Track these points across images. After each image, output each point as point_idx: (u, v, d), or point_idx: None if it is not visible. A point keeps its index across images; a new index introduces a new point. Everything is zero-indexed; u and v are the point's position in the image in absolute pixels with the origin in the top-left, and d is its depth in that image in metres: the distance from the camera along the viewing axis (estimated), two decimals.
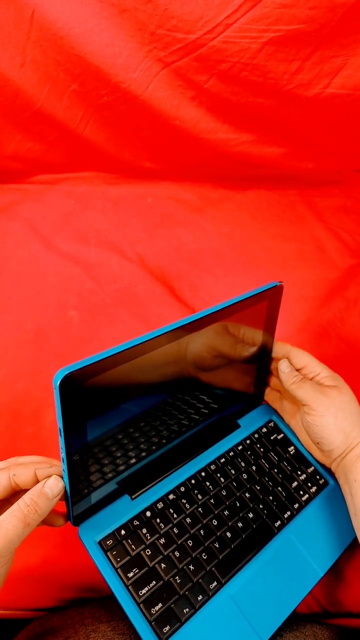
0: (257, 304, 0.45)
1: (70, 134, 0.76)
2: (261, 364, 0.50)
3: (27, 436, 0.57)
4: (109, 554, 0.39)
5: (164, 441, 0.45)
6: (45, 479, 0.36)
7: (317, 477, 0.48)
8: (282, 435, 0.51)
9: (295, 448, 0.50)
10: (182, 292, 0.71)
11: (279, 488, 0.46)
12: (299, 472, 0.48)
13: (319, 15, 0.60)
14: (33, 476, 0.36)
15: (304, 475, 0.48)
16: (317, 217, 0.83)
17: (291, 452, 0.50)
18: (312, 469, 0.49)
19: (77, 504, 0.39)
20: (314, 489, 0.47)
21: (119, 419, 0.41)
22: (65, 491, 0.37)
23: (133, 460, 0.43)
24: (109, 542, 0.40)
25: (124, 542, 0.40)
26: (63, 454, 0.36)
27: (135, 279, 0.72)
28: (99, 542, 0.40)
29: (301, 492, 0.46)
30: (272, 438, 0.50)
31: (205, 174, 0.87)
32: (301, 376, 0.47)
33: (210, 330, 0.42)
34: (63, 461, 0.36)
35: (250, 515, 0.44)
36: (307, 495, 0.46)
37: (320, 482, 0.48)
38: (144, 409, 0.43)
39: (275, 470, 0.48)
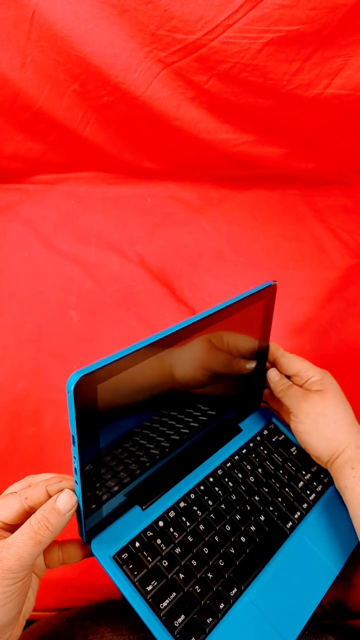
0: (253, 305, 0.45)
1: (70, 134, 0.76)
2: (258, 367, 0.50)
3: (27, 436, 0.57)
4: (125, 568, 0.38)
5: (169, 449, 0.45)
6: (57, 494, 0.34)
7: (322, 475, 0.48)
8: (282, 436, 0.51)
9: (297, 448, 0.50)
10: (182, 292, 0.71)
11: (286, 489, 0.46)
12: (304, 472, 0.48)
13: (319, 16, 0.60)
14: (45, 494, 0.35)
15: (309, 475, 0.48)
16: (317, 217, 0.83)
17: (294, 453, 0.49)
18: (315, 468, 0.48)
19: (89, 518, 0.38)
20: (319, 487, 0.47)
21: (129, 425, 0.40)
22: (78, 505, 0.35)
23: (141, 471, 0.43)
24: (124, 556, 0.38)
25: (139, 554, 0.39)
26: (76, 464, 0.34)
27: (135, 279, 0.73)
28: (114, 557, 0.38)
29: (308, 492, 0.46)
30: (273, 440, 0.50)
31: (206, 174, 0.87)
32: (289, 383, 0.47)
33: (198, 350, 0.42)
34: (76, 472, 0.35)
35: (262, 518, 0.44)
36: (314, 495, 0.46)
37: (325, 480, 0.48)
38: (151, 416, 0.42)
39: (281, 472, 0.48)
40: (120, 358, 0.36)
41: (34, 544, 0.32)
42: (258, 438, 0.50)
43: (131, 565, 0.38)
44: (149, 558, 0.39)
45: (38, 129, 0.76)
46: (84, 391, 0.33)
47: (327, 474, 0.48)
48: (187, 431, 0.46)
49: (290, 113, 0.72)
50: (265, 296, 0.47)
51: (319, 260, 0.77)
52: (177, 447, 0.46)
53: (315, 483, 0.47)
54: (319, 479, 0.48)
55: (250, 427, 0.51)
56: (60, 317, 0.68)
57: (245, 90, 0.68)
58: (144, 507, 0.42)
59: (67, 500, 0.34)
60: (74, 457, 0.34)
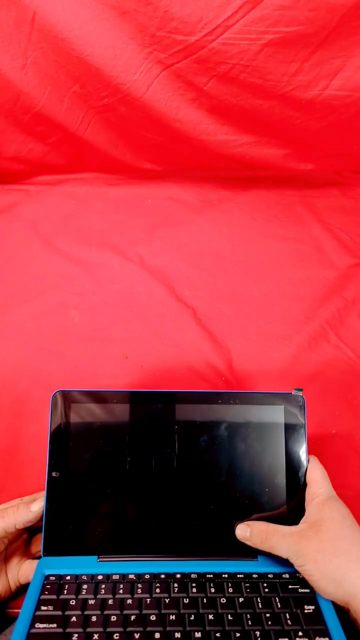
0: (270, 406, 0.45)
1: (71, 135, 0.76)
2: (294, 488, 0.45)
3: (28, 435, 0.57)
4: (46, 585, 0.40)
5: (154, 521, 0.44)
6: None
7: None
8: (307, 591, 0.41)
9: (316, 609, 0.39)
10: (182, 292, 0.72)
11: None
12: (301, 634, 0.37)
13: (318, 17, 0.60)
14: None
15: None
16: (316, 217, 0.84)
17: (306, 611, 0.39)
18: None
19: (51, 534, 0.42)
20: None
21: (104, 465, 0.44)
22: (43, 515, 0.43)
23: (117, 524, 0.44)
24: (52, 579, 0.41)
25: (64, 585, 0.40)
26: (47, 464, 0.43)
27: (136, 279, 0.73)
28: (46, 575, 0.41)
29: None
30: (289, 587, 0.41)
31: (205, 175, 0.87)
32: (266, 530, 0.41)
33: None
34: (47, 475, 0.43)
35: None
36: None
37: None
38: (132, 471, 0.44)
39: (270, 623, 0.38)
40: (100, 391, 0.44)
41: None
42: (270, 576, 0.42)
43: (49, 586, 0.40)
44: (71, 602, 0.39)
45: (39, 131, 0.76)
46: (60, 403, 0.44)
47: None
48: (181, 516, 0.44)
49: (289, 114, 0.72)
50: (286, 402, 0.46)
51: (317, 260, 0.78)
52: (164, 524, 0.44)
53: None
54: None
55: (270, 564, 0.43)
56: (61, 317, 0.68)
57: (245, 91, 0.69)
58: (99, 559, 0.43)
59: (37, 503, 0.43)
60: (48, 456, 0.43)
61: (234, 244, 0.79)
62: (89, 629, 0.37)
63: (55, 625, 0.37)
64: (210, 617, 0.38)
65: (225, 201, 0.86)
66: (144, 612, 0.39)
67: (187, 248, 0.78)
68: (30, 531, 0.47)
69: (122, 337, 0.66)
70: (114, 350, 0.65)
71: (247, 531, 0.42)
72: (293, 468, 0.45)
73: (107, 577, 0.41)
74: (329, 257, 0.78)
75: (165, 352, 0.65)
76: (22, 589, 0.45)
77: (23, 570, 0.44)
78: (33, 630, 0.37)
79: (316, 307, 0.71)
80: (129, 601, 0.39)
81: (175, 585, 0.40)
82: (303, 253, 0.79)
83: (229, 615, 0.38)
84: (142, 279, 0.73)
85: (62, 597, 0.39)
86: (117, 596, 0.40)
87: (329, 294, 0.73)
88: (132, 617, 0.38)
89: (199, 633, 0.37)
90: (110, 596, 0.40)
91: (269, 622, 0.38)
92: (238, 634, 0.37)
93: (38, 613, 0.38)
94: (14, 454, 0.56)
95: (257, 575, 0.41)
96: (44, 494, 0.43)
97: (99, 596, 0.40)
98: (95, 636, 0.37)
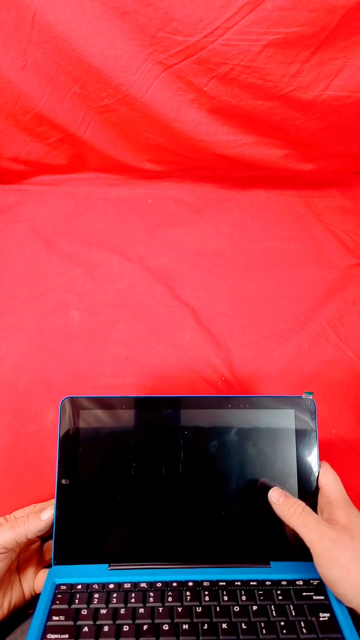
0: (280, 410, 0.45)
1: (71, 135, 0.77)
2: (306, 493, 0.44)
3: (28, 435, 0.57)
4: (57, 594, 0.40)
5: (165, 528, 0.43)
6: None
7: None
8: (322, 598, 0.40)
9: (332, 616, 0.38)
10: (182, 292, 0.72)
11: None
12: None
13: (318, 18, 0.60)
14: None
15: None
16: (316, 217, 0.84)
17: (321, 618, 0.38)
18: None
19: (61, 542, 0.42)
20: None
21: (113, 471, 0.44)
22: (53, 524, 0.42)
23: (127, 532, 0.43)
24: (63, 588, 0.40)
25: (75, 594, 0.40)
26: (56, 471, 0.43)
27: (136, 279, 0.73)
28: (57, 585, 0.41)
29: None
30: (304, 594, 0.40)
31: (205, 175, 0.88)
32: (302, 505, 0.40)
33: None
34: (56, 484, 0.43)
35: None
36: None
37: None
38: (141, 479, 0.44)
39: (285, 631, 0.37)
40: (109, 397, 0.44)
41: (9, 528, 0.40)
42: (283, 583, 0.41)
43: (60, 596, 0.40)
44: (79, 603, 0.39)
45: (39, 131, 0.76)
46: (68, 410, 0.43)
47: None
48: (191, 523, 0.44)
49: (289, 115, 0.72)
50: (296, 406, 0.45)
51: (317, 261, 0.78)
52: (174, 530, 0.43)
53: None
54: None
55: (284, 571, 0.42)
56: (61, 317, 0.68)
57: (245, 92, 0.69)
58: (110, 567, 0.42)
59: (47, 511, 0.42)
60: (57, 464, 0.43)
61: (234, 244, 0.79)
62: (101, 639, 0.37)
63: (67, 635, 0.37)
64: (224, 626, 0.37)
65: (225, 201, 0.86)
66: (157, 621, 0.38)
67: (187, 248, 0.78)
68: (42, 539, 0.47)
69: (122, 337, 0.67)
70: (114, 350, 0.65)
71: (281, 498, 0.41)
72: (304, 473, 0.44)
73: (119, 585, 0.40)
74: (329, 257, 0.78)
75: (165, 352, 0.65)
76: (37, 596, 0.44)
77: (39, 579, 0.44)
78: None
79: (316, 307, 0.71)
80: (141, 610, 0.39)
81: (188, 593, 0.40)
82: (303, 253, 0.79)
83: (243, 624, 0.38)
84: (142, 279, 0.73)
85: (73, 606, 0.39)
86: (129, 605, 0.39)
87: (329, 294, 0.73)
88: (145, 627, 0.37)
89: None
90: (122, 605, 0.39)
91: (284, 631, 0.37)
92: None
93: (50, 623, 0.38)
94: (13, 454, 0.56)
95: (270, 582, 0.41)
96: (53, 501, 0.43)
97: (110, 605, 0.39)
98: None
